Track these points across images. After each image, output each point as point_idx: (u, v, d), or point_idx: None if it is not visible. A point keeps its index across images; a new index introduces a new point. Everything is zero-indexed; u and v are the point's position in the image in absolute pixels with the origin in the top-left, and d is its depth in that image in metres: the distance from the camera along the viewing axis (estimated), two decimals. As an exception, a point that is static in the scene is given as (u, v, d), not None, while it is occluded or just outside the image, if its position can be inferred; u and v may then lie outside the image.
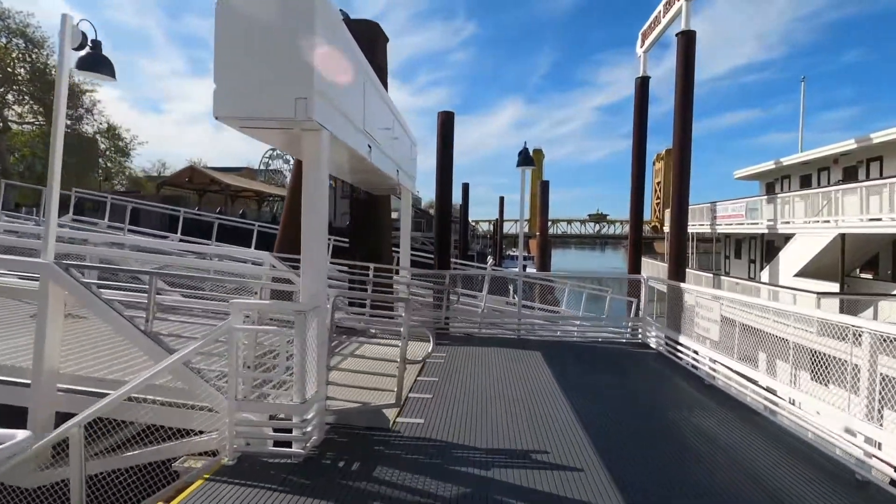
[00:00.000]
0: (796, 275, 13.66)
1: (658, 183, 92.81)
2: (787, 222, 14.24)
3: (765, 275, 15.41)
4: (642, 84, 19.04)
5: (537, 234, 30.31)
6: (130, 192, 34.92)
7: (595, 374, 6.97)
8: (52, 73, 35.02)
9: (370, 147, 5.73)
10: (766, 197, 15.62)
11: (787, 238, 16.61)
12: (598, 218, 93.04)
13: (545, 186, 30.71)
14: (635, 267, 19.24)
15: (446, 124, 15.07)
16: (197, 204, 31.49)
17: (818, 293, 10.80)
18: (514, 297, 19.02)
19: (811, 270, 13.28)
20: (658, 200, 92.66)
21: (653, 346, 8.36)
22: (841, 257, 12.02)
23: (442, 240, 15.08)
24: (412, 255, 17.61)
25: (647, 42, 18.97)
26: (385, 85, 10.47)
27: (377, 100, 6.22)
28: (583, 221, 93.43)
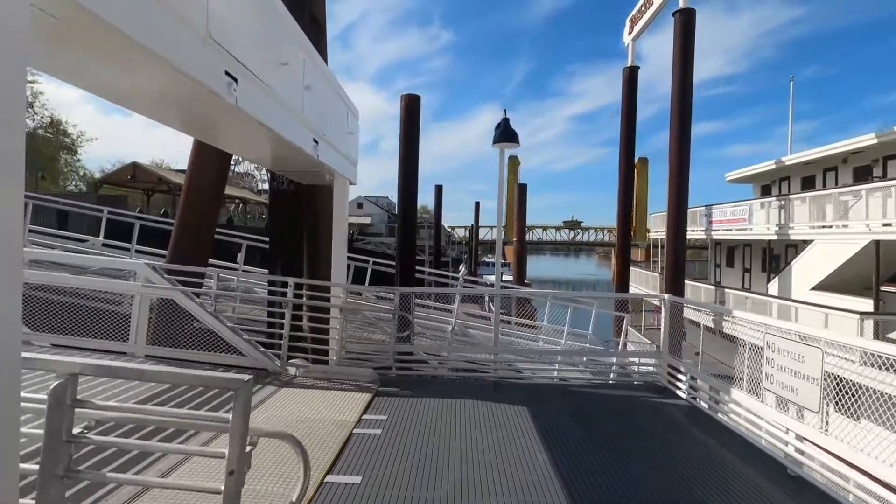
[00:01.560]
0: (814, 288, 11.54)
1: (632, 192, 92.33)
2: (802, 227, 12.15)
3: (773, 287, 13.32)
4: (630, 75, 16.93)
5: (514, 240, 27.94)
6: (84, 195, 31.37)
7: (610, 447, 4.50)
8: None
9: (234, 80, 3.14)
10: (774, 198, 13.56)
11: (792, 245, 14.63)
12: (573, 225, 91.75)
13: (523, 190, 28.47)
14: (624, 278, 17.01)
15: (411, 109, 12.58)
16: (143, 205, 28.16)
17: (860, 313, 8.62)
18: (489, 308, 16.57)
19: (833, 283, 11.16)
20: (632, 208, 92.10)
21: (682, 395, 5.90)
22: (876, 268, 9.95)
23: (405, 246, 12.53)
24: (382, 266, 15.05)
25: (637, 28, 16.88)
26: (325, 48, 7.88)
27: (264, 12, 3.66)
28: (558, 228, 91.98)
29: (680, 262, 12.92)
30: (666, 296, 6.32)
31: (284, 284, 6.18)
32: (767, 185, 17.97)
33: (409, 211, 12.34)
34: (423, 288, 12.77)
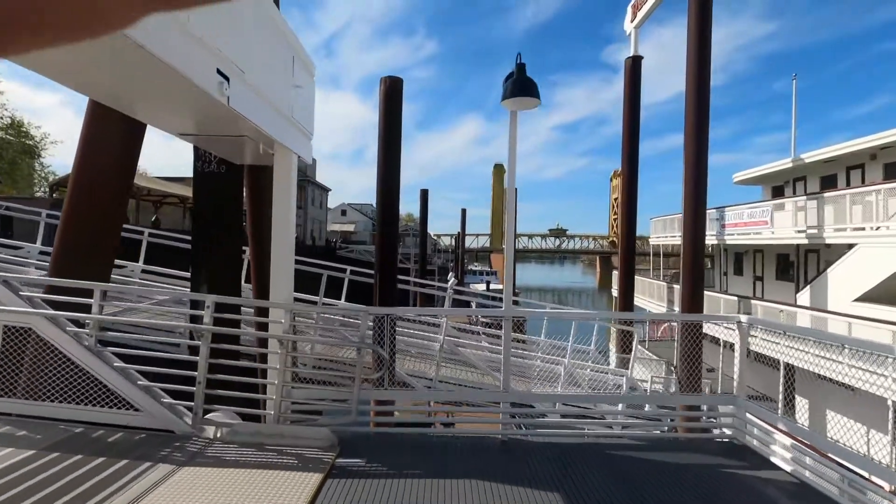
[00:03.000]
0: (858, 299, 9.84)
1: (616, 199, 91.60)
2: (842, 229, 10.48)
3: (803, 298, 11.62)
4: (633, 66, 15.30)
5: (504, 247, 25.95)
6: (38, 200, 28.67)
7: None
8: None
9: None
10: (804, 197, 11.89)
11: (812, 251, 13.01)
12: (558, 233, 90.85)
13: (513, 195, 26.69)
14: (628, 288, 15.22)
15: (391, 94, 10.68)
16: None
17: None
18: (477, 319, 14.64)
19: (881, 294, 9.48)
20: (615, 216, 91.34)
21: (778, 461, 3.96)
22: (942, 277, 8.31)
23: (386, 253, 10.55)
24: (363, 276, 12.90)
25: (641, 14, 15.29)
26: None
27: None
28: (543, 236, 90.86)
29: (699, 271, 11.15)
30: (743, 317, 4.43)
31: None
32: (780, 187, 16.43)
33: (389, 208, 10.34)
34: (403, 308, 10.76)
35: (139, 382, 4.13)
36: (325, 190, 49.68)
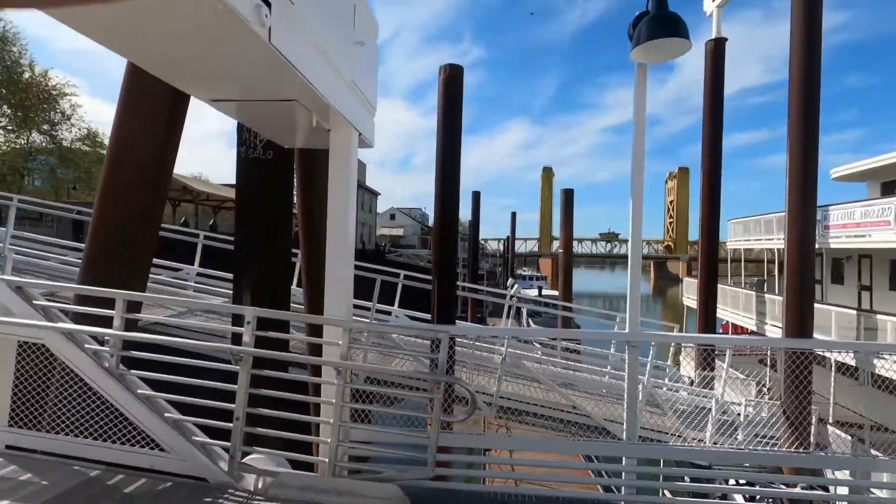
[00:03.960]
0: None
1: (671, 202, 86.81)
2: None
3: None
4: (716, 49, 13.59)
5: (562, 251, 24.60)
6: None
7: None
8: (25, 73, 30.60)
9: None
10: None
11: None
12: (610, 237, 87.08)
13: (569, 196, 25.10)
14: (709, 298, 13.46)
15: (452, 83, 9.72)
16: (169, 215, 26.34)
17: None
18: (526, 321, 13.20)
19: None
20: (671, 220, 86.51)
21: None
22: None
23: (445, 256, 9.53)
24: (416, 281, 11.95)
25: (724, -9, 13.60)
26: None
27: None
28: (593, 240, 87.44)
29: (808, 285, 9.41)
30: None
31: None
32: (891, 182, 14.14)
33: (449, 205, 9.34)
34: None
35: (167, 415, 3.29)
36: (375, 194, 49.69)
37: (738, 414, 10.67)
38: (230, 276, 10.67)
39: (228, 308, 3.47)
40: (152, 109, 4.34)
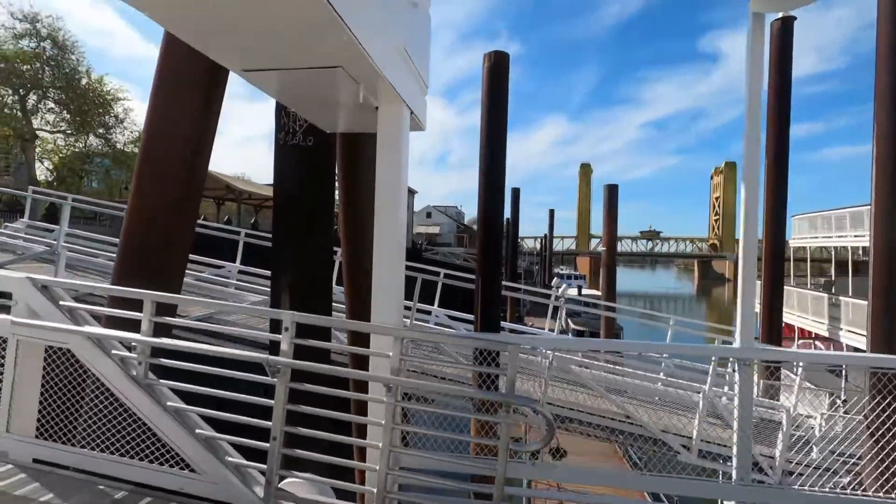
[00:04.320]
0: None
1: (717, 198, 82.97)
2: None
3: None
4: (783, 28, 12.42)
5: (605, 249, 23.59)
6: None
7: None
8: (82, 79, 32.06)
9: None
10: None
11: None
12: (651, 235, 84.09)
13: (613, 192, 23.98)
14: (774, 297, 12.33)
15: (497, 70, 9.16)
16: (213, 214, 26.95)
17: None
18: (566, 324, 12.43)
19: None
20: (717, 217, 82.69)
21: None
22: None
23: (488, 267, 8.93)
24: (456, 280, 11.42)
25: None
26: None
27: None
28: (633, 238, 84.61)
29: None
30: None
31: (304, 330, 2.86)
32: None
33: (493, 200, 8.78)
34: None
35: (198, 431, 2.92)
36: (412, 192, 49.55)
37: (812, 427, 9.66)
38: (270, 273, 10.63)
39: (264, 312, 3.05)
40: (185, 96, 4.02)
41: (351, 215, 4.55)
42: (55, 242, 9.94)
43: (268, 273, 10.51)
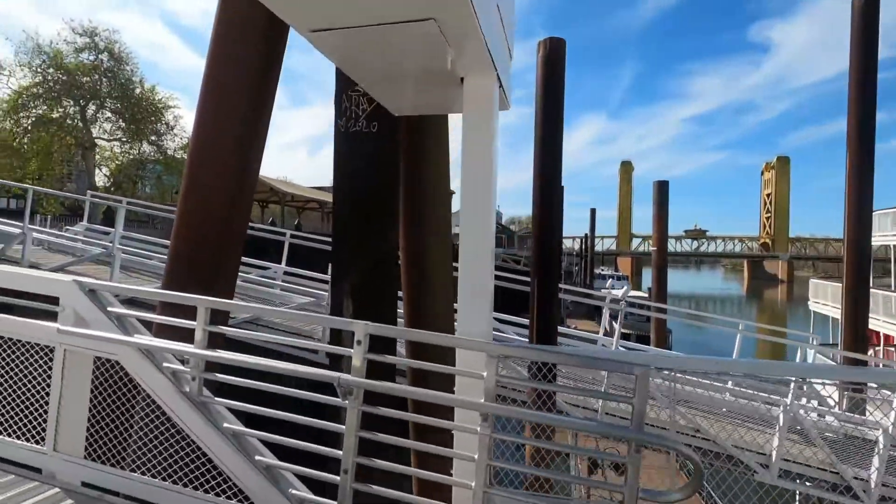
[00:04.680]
0: None
1: (768, 195, 78.52)
2: None
3: None
4: (866, 5, 11.20)
5: (655, 248, 22.46)
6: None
7: None
8: (136, 89, 33.41)
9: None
10: None
11: None
12: (697, 234, 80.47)
13: (663, 189, 22.74)
14: (859, 304, 11.12)
15: (552, 58, 8.55)
16: (258, 216, 27.43)
17: None
18: (610, 326, 11.78)
19: None
20: (768, 215, 78.23)
21: None
22: None
23: (546, 269, 8.28)
24: (508, 282, 10.88)
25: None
26: None
27: None
28: (677, 238, 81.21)
29: None
30: None
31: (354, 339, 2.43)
32: None
33: (550, 197, 8.18)
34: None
35: (258, 458, 2.52)
36: (451, 192, 49.09)
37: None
38: (316, 274, 10.42)
39: (333, 322, 2.61)
40: (237, 87, 3.69)
41: (409, 210, 4.11)
42: (111, 245, 10.06)
43: (312, 274, 10.39)
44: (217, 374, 2.60)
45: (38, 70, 28.88)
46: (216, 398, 2.62)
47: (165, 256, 11.75)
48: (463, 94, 2.43)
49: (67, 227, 15.01)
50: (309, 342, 2.91)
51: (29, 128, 29.35)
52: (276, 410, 2.43)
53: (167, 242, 12.71)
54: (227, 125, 3.76)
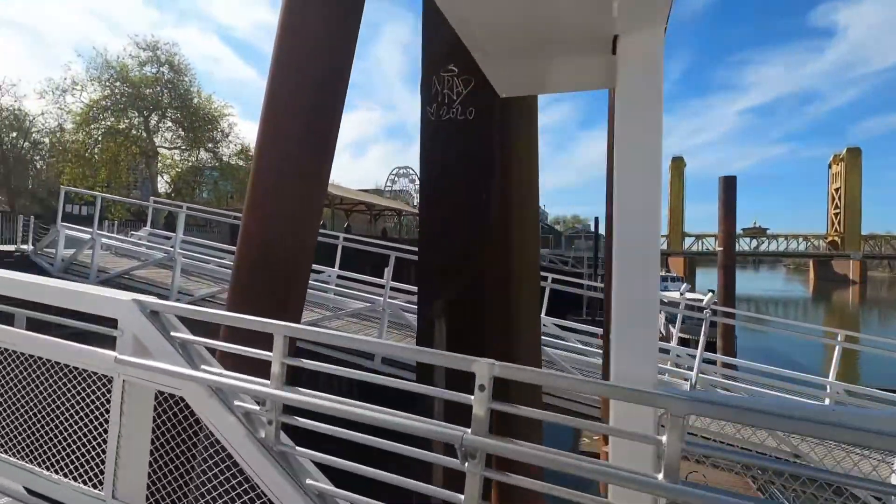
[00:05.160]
0: None
1: (836, 189, 72.60)
2: None
3: None
4: None
5: (721, 248, 20.92)
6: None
7: None
8: (194, 99, 34.72)
9: None
10: None
11: None
12: (756, 232, 75.57)
13: (730, 185, 21.04)
14: None
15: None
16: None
17: None
18: (667, 328, 10.66)
19: None
20: (837, 211, 72.31)
21: None
22: None
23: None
24: (559, 284, 10.06)
25: None
26: None
27: None
28: (736, 237, 76.47)
29: None
30: None
31: (459, 378, 1.85)
32: None
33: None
34: None
35: (349, 527, 2.00)
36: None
37: None
38: (369, 278, 10.03)
39: (453, 359, 2.01)
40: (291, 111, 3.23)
41: (504, 212, 3.51)
42: (172, 249, 10.08)
43: (364, 277, 10.00)
44: (298, 419, 2.10)
45: (107, 84, 30.47)
46: (297, 448, 2.11)
47: (223, 260, 11.78)
48: (617, 57, 1.80)
49: (132, 232, 15.49)
50: (426, 388, 2.27)
51: (99, 139, 31.02)
52: (376, 469, 1.90)
53: (223, 246, 12.81)
54: (294, 130, 3.34)
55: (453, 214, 2.81)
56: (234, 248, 12.88)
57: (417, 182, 51.85)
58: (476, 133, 2.79)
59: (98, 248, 10.57)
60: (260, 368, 2.20)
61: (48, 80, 30.10)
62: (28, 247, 12.58)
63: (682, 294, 9.93)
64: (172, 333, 2.37)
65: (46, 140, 34.74)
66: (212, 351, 2.51)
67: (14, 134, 34.42)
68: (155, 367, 2.24)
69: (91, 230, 10.64)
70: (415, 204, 49.90)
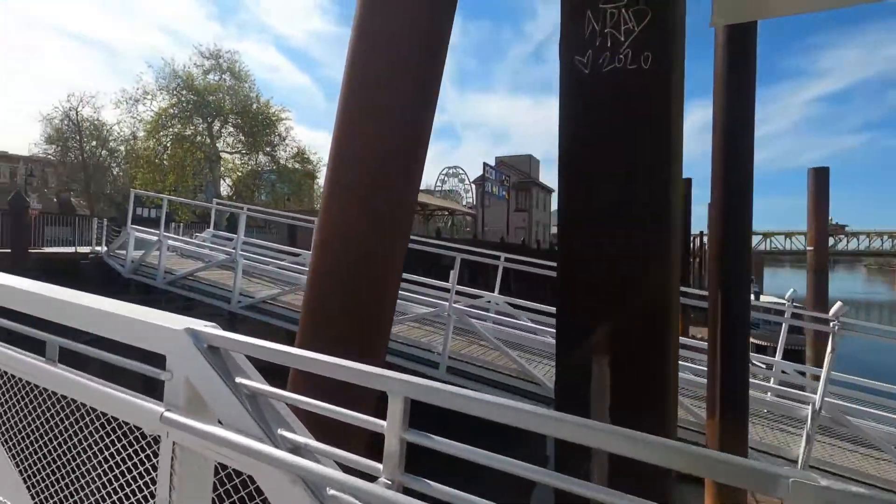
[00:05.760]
0: None
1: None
2: None
3: None
4: None
5: (811, 248, 18.77)
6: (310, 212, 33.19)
7: None
8: (253, 104, 35.62)
9: None
10: None
11: None
12: (833, 230, 68.98)
13: (821, 177, 18.68)
14: None
15: (740, 31, 6.51)
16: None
17: None
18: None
19: None
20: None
21: None
22: None
23: (731, 275, 6.27)
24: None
25: None
26: None
27: None
28: (806, 234, 70.20)
29: None
30: None
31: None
32: None
33: (739, 192, 6.15)
34: None
35: None
36: (549, 191, 46.53)
37: None
38: (431, 281, 9.24)
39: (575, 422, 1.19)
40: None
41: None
42: (233, 251, 9.80)
43: (429, 281, 9.23)
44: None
45: (174, 92, 31.74)
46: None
47: (283, 262, 11.44)
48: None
49: (196, 234, 15.68)
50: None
51: (167, 145, 32.40)
52: None
53: (281, 246, 12.43)
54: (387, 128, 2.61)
55: (615, 214, 1.94)
56: (291, 249, 12.54)
57: (467, 182, 50.91)
58: (653, 91, 1.91)
59: (164, 250, 10.49)
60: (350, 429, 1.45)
61: (122, 91, 31.79)
62: (102, 248, 12.83)
63: (789, 301, 8.50)
64: (238, 380, 1.65)
65: (122, 148, 36.79)
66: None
67: (94, 143, 36.70)
68: (214, 434, 1.52)
69: (158, 232, 10.61)
70: (465, 203, 49.02)
